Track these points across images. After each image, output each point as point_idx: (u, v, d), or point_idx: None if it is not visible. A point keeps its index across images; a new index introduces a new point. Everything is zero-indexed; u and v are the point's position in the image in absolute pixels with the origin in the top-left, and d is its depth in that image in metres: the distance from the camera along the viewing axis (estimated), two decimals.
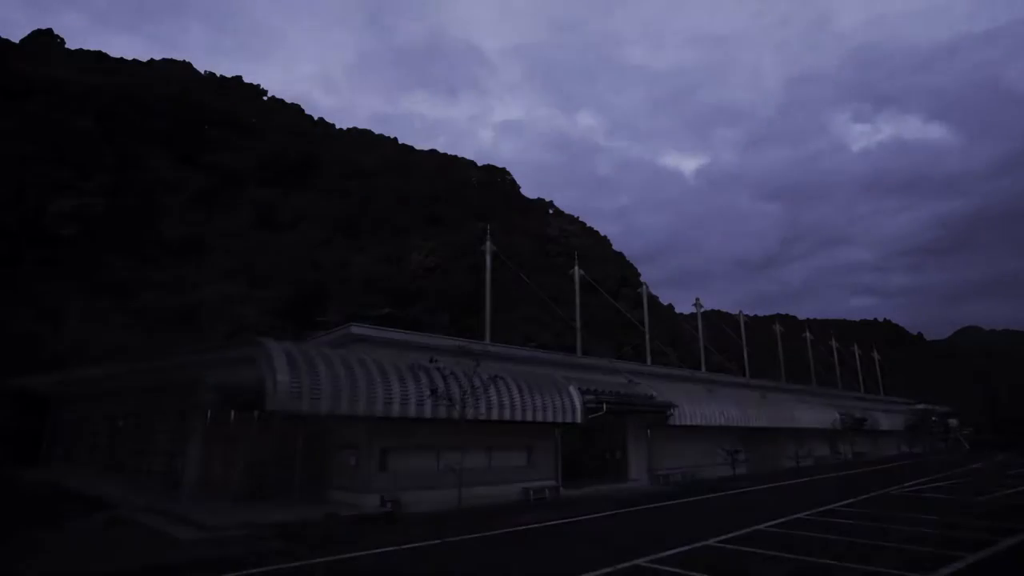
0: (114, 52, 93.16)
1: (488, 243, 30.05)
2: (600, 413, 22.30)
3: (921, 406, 66.44)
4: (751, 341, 49.10)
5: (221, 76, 73.60)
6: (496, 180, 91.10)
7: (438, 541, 12.67)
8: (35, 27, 74.69)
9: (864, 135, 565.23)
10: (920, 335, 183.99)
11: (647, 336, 38.84)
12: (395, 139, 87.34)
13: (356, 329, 20.37)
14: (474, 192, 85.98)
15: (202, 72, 72.06)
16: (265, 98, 76.98)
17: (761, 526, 14.34)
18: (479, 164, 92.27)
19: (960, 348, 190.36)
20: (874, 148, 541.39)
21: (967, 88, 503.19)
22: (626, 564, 10.34)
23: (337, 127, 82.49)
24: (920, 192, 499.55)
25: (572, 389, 22.19)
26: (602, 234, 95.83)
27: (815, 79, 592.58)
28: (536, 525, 14.95)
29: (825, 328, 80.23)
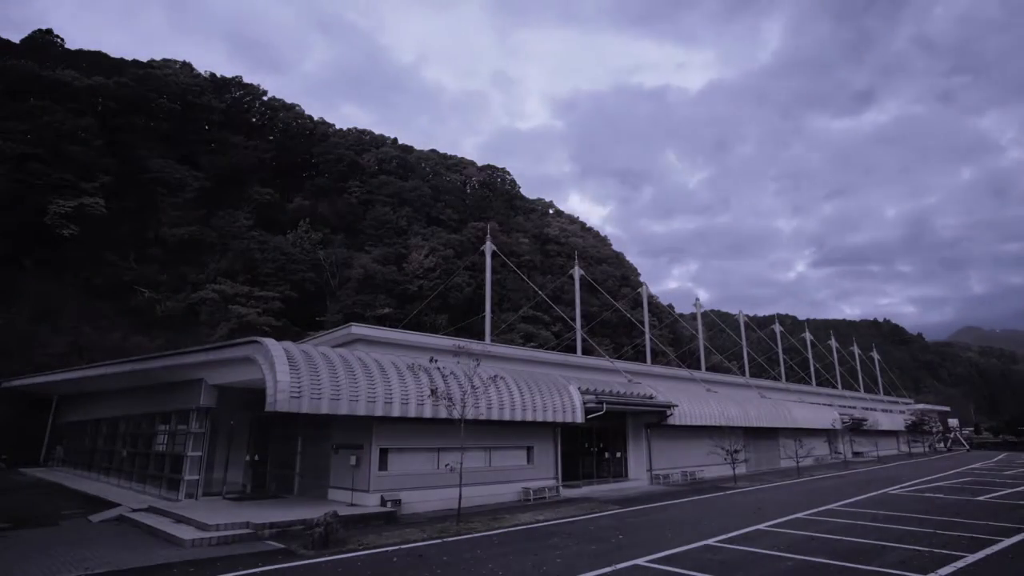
0: (114, 52, 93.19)
1: (488, 243, 30.06)
2: (600, 413, 22.31)
3: (920, 406, 66.51)
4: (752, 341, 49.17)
5: (221, 76, 73.48)
6: (496, 180, 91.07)
7: (438, 541, 12.69)
8: (35, 27, 74.66)
9: None
10: (920, 335, 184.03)
11: (647, 336, 38.86)
12: (395, 139, 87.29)
13: (356, 329, 20.39)
14: (474, 192, 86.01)
15: (202, 72, 71.98)
16: (265, 98, 76.89)
17: (761, 525, 14.35)
18: (479, 164, 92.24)
19: (960, 348, 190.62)
20: None
21: None
22: (626, 564, 10.36)
23: (337, 127, 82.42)
24: None
25: (572, 389, 22.21)
26: (602, 234, 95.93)
27: None
28: (536, 524, 14.98)
29: (825, 328, 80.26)
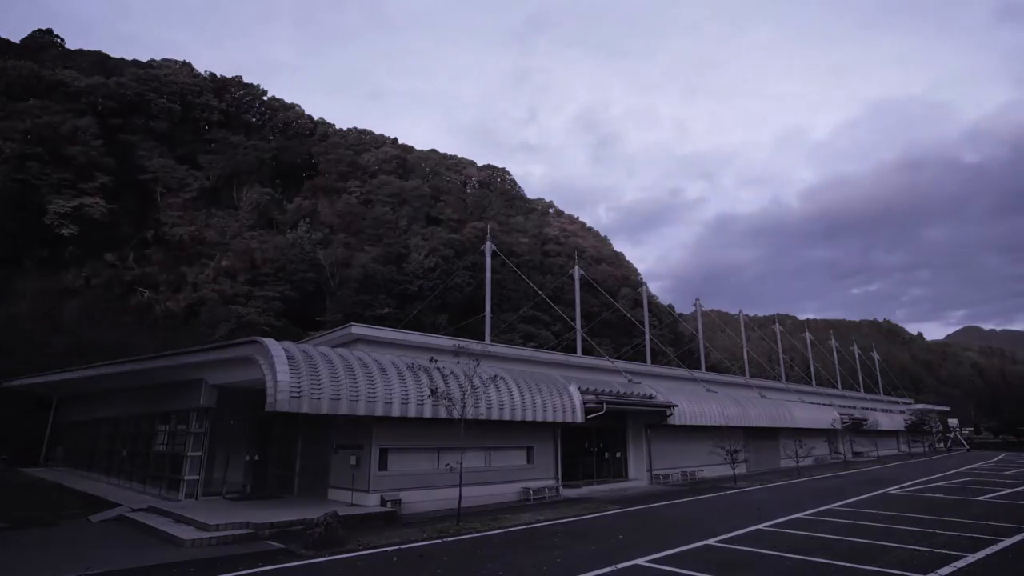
0: (114, 52, 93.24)
1: (488, 243, 30.05)
2: (600, 413, 22.30)
3: (920, 406, 66.48)
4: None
5: (221, 76, 73.45)
6: (496, 180, 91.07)
7: (438, 541, 12.68)
8: (35, 27, 74.67)
9: None
10: (920, 335, 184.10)
11: (647, 336, 38.84)
12: (395, 139, 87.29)
13: (356, 329, 20.38)
14: (474, 192, 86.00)
15: (202, 72, 71.96)
16: (265, 98, 76.86)
17: (761, 526, 14.35)
18: (479, 164, 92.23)
19: (960, 348, 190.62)
20: None
21: None
22: (626, 564, 10.36)
23: (337, 127, 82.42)
24: None
25: (572, 389, 22.21)
26: (602, 234, 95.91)
27: None
28: (536, 525, 14.98)
29: (825, 328, 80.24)
